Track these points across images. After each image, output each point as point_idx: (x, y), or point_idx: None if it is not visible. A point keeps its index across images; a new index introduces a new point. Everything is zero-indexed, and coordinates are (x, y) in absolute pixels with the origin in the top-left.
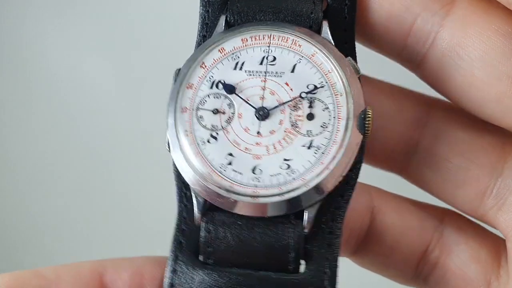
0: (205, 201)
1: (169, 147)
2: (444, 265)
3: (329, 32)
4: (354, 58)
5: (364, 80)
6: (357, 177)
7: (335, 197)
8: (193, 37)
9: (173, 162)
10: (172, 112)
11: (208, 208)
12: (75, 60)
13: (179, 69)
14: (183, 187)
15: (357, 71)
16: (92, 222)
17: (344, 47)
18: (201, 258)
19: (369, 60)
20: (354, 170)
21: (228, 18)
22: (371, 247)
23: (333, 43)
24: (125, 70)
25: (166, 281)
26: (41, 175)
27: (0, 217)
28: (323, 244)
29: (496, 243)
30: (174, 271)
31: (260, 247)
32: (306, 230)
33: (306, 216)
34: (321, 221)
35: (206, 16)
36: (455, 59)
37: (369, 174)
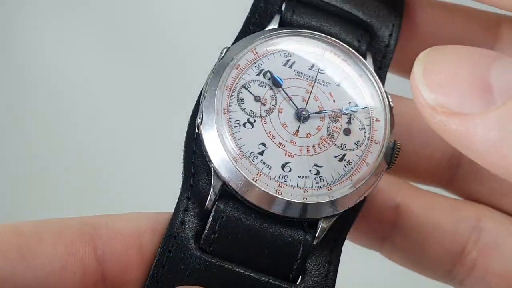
0: (223, 185)
1: (201, 121)
2: (484, 267)
3: (372, 64)
4: (383, 83)
5: (401, 100)
6: (363, 205)
7: (344, 215)
8: (191, 36)
9: (201, 139)
10: (214, 87)
11: (222, 194)
12: (73, 58)
13: (228, 48)
14: (192, 167)
15: (390, 102)
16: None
17: (378, 72)
18: (201, 243)
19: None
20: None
21: (283, 18)
22: (399, 244)
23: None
24: (124, 68)
25: (160, 253)
26: (41, 175)
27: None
28: (324, 258)
29: None
30: (169, 251)
31: (267, 247)
32: (315, 241)
33: (320, 226)
34: (328, 235)
35: (259, 10)
36: None
37: None
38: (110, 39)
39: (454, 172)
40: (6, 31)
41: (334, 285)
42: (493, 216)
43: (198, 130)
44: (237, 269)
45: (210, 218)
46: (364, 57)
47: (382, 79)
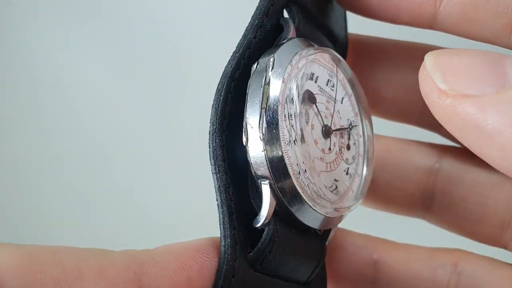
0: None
1: (264, 138)
2: None
3: None
4: None
5: (375, 137)
6: None
7: None
8: (191, 37)
9: (263, 156)
10: (276, 102)
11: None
12: (72, 60)
13: (274, 57)
14: (226, 177)
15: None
16: (90, 225)
17: None
18: (251, 262)
19: None
20: None
21: (296, 26)
22: None
23: None
24: (123, 70)
25: (223, 280)
26: (41, 176)
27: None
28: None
29: None
30: (233, 275)
31: (304, 258)
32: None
33: (331, 233)
34: None
35: (266, 14)
36: None
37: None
38: (110, 39)
39: (429, 203)
40: (6, 33)
41: (325, 280)
42: (469, 259)
43: (247, 144)
44: (284, 283)
45: (266, 239)
46: None
47: None
